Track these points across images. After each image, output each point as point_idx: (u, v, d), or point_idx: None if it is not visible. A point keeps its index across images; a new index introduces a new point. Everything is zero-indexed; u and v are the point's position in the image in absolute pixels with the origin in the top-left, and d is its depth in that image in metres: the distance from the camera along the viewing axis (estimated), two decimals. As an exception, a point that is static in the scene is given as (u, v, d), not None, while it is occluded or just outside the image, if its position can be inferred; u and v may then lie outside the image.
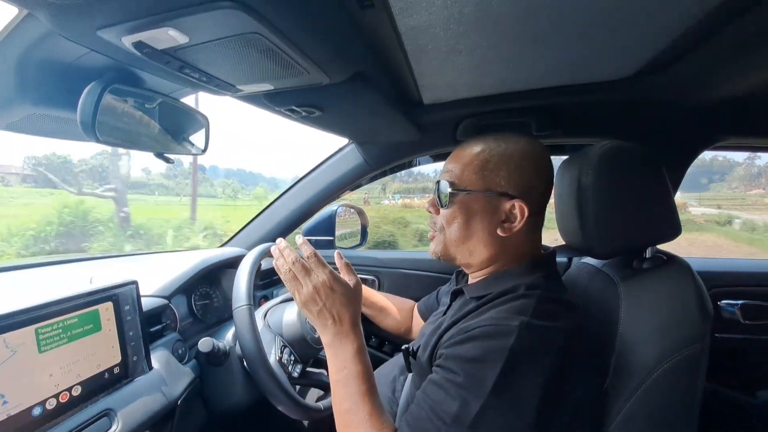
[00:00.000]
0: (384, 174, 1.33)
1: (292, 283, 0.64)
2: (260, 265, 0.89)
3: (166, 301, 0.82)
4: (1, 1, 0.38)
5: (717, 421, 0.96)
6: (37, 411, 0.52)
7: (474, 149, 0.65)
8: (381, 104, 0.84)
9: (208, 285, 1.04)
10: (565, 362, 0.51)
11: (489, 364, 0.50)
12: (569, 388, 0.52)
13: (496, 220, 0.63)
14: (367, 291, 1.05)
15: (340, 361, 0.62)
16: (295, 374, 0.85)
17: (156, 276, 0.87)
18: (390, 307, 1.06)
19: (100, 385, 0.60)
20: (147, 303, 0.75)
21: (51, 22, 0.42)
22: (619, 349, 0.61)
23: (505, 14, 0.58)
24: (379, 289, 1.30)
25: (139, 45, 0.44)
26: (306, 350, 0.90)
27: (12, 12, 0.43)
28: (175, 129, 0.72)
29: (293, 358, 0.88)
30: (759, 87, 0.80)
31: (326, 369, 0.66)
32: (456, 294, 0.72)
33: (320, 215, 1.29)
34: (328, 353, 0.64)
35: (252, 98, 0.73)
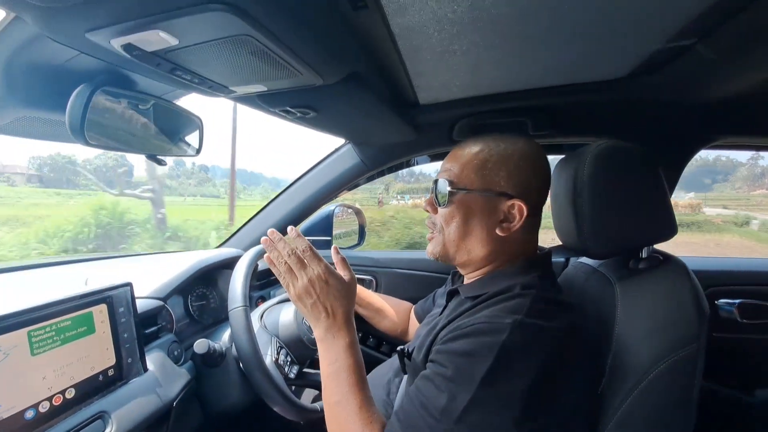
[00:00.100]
0: (381, 174, 1.33)
1: (286, 276, 0.64)
2: (257, 265, 0.88)
3: (161, 303, 0.81)
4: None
5: (716, 420, 0.96)
6: (29, 414, 0.52)
7: (473, 149, 0.65)
8: (376, 105, 0.84)
9: (204, 286, 1.03)
10: (558, 362, 0.51)
11: (479, 358, 0.50)
12: (562, 388, 0.52)
13: (494, 219, 0.63)
14: (364, 292, 1.05)
15: (332, 354, 0.62)
16: (292, 375, 0.85)
17: (152, 277, 0.86)
18: (387, 309, 1.05)
19: (94, 388, 0.60)
20: (142, 304, 0.75)
21: (39, 25, 0.41)
22: (615, 350, 0.60)
23: (500, 15, 0.57)
24: (377, 289, 1.30)
25: (128, 47, 0.44)
26: (302, 351, 0.90)
27: None
28: (168, 131, 0.72)
29: (290, 359, 0.87)
30: (755, 86, 0.80)
31: None
32: (452, 294, 0.72)
33: (318, 215, 1.29)
34: (321, 347, 0.64)
35: (246, 99, 0.73)
